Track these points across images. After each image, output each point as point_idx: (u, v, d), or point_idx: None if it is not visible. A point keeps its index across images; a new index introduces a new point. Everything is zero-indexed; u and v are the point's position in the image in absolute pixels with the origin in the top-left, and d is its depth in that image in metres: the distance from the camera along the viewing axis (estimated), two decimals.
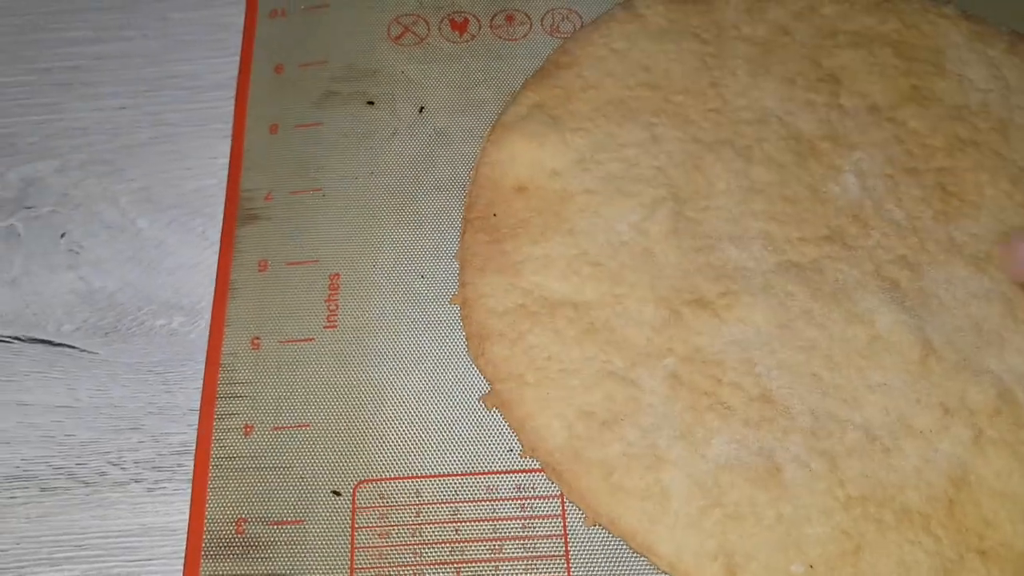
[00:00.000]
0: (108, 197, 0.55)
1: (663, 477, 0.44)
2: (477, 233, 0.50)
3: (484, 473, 0.46)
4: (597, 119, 0.53)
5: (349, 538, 0.45)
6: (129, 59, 0.59)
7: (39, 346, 0.51)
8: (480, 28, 0.58)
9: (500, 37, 0.58)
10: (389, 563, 0.44)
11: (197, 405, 0.49)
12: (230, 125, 0.56)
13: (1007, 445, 0.45)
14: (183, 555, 0.45)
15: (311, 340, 0.50)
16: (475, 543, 0.45)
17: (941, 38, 0.56)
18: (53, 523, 0.47)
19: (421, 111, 0.55)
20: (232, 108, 0.56)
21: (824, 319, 0.47)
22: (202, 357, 0.50)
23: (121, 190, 0.55)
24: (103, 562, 0.46)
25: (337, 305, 0.50)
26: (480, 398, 0.48)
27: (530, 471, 0.46)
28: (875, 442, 0.45)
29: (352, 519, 0.45)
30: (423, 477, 0.46)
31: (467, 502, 0.46)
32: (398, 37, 0.58)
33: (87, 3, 0.61)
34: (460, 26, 0.58)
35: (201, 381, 0.49)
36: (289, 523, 0.45)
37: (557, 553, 0.44)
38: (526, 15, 0.58)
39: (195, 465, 0.47)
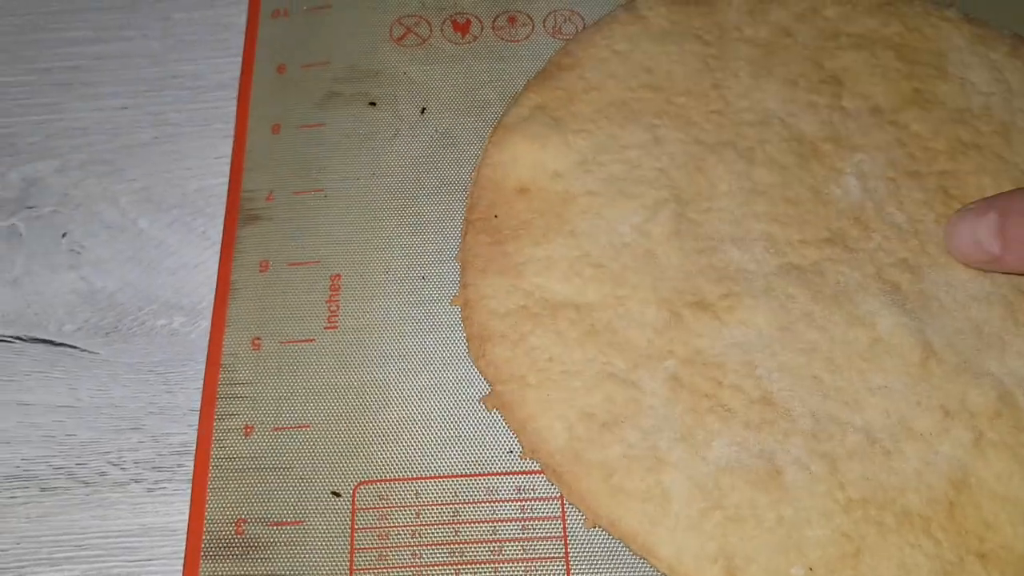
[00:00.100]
0: (109, 197, 0.55)
1: (664, 479, 0.44)
2: (478, 234, 0.50)
3: (484, 475, 0.46)
4: (599, 121, 0.53)
5: (349, 539, 0.45)
6: (130, 59, 0.60)
7: (40, 346, 0.51)
8: (482, 29, 0.58)
9: (502, 38, 0.58)
10: (389, 564, 0.44)
11: (197, 405, 0.49)
12: (232, 125, 0.56)
13: (1007, 448, 0.44)
14: (183, 555, 0.45)
15: (312, 341, 0.50)
16: (475, 544, 0.45)
17: (943, 41, 0.56)
18: (53, 523, 0.47)
19: (423, 112, 0.56)
20: (234, 108, 0.57)
21: (825, 321, 0.47)
22: (203, 357, 0.50)
23: (122, 190, 0.55)
24: (103, 562, 0.46)
25: (338, 306, 0.50)
26: (481, 399, 0.48)
27: (530, 473, 0.46)
28: (875, 444, 0.44)
29: (352, 520, 0.45)
30: (423, 478, 0.46)
31: (467, 503, 0.46)
32: (400, 38, 0.58)
33: (88, 3, 0.61)
34: (462, 27, 0.58)
35: (202, 381, 0.49)
36: (289, 524, 0.45)
37: (557, 555, 0.45)
38: (528, 16, 0.58)
39: (195, 465, 0.47)
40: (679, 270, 0.48)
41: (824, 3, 0.57)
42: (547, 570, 0.44)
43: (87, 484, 0.48)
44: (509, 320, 0.48)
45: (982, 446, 0.45)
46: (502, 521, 0.45)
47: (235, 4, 0.61)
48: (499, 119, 0.54)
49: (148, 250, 0.54)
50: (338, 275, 0.51)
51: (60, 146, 0.57)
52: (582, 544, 0.45)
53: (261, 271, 0.51)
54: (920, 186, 0.51)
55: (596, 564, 0.45)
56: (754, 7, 0.57)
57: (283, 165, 0.54)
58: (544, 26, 0.58)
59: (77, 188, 0.55)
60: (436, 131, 0.55)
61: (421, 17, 0.59)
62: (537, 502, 0.46)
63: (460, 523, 0.45)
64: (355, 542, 0.45)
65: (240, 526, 0.45)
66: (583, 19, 0.58)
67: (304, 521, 0.45)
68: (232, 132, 0.56)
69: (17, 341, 0.51)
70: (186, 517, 0.46)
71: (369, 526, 0.45)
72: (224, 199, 0.54)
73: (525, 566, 0.44)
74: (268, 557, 0.45)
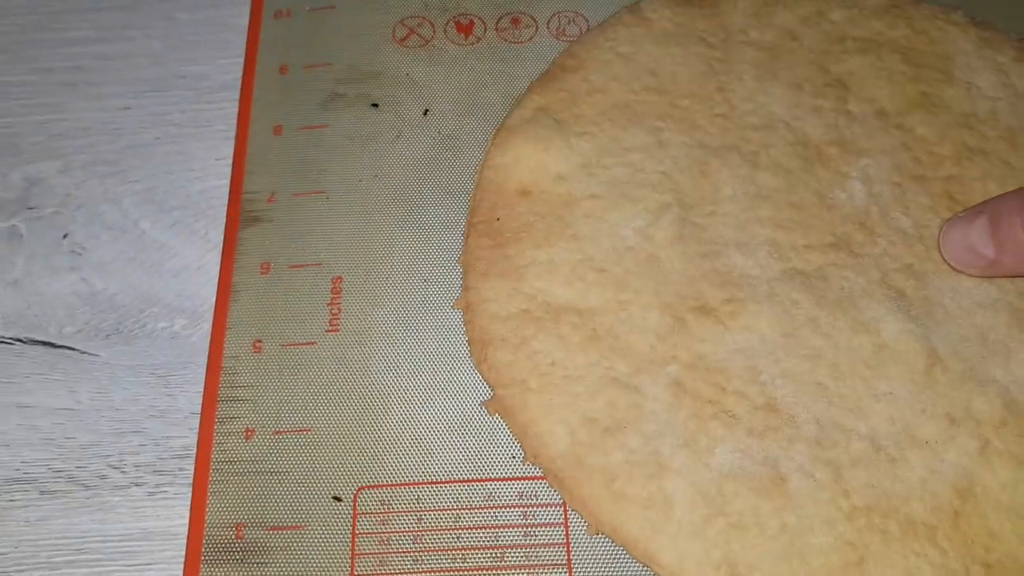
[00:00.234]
0: (111, 198, 0.55)
1: (666, 485, 0.44)
2: (480, 237, 0.50)
3: (486, 480, 0.46)
4: (602, 123, 0.53)
5: (350, 544, 0.45)
6: (133, 59, 0.60)
7: (40, 348, 0.51)
8: (485, 31, 0.58)
9: (505, 40, 0.58)
10: (390, 570, 0.44)
11: (198, 408, 0.49)
12: (234, 126, 0.56)
13: (1013, 456, 0.44)
14: (183, 560, 0.45)
15: (313, 344, 0.50)
16: (476, 551, 0.45)
17: (950, 45, 0.56)
18: (53, 526, 0.47)
19: (426, 114, 0.55)
20: (236, 109, 0.56)
21: (830, 328, 0.47)
22: (204, 360, 0.50)
23: (124, 191, 0.55)
24: (102, 566, 0.46)
25: (340, 309, 0.50)
26: (482, 403, 0.48)
27: (532, 479, 0.46)
28: (880, 452, 0.44)
29: (353, 525, 0.45)
30: (425, 483, 0.46)
31: (468, 509, 0.45)
32: (403, 39, 0.58)
33: (90, 3, 0.61)
34: (465, 28, 0.58)
35: (202, 384, 0.49)
36: (289, 528, 0.45)
37: (559, 562, 0.44)
38: (532, 18, 0.58)
39: (195, 469, 0.47)
40: (682, 275, 0.48)
41: (830, 6, 0.57)
42: None
43: (87, 487, 0.48)
44: (511, 324, 0.48)
45: (988, 454, 0.44)
46: (504, 527, 0.45)
47: (238, 4, 0.61)
48: (502, 121, 0.54)
49: (150, 252, 0.54)
50: (340, 277, 0.51)
51: (62, 147, 0.57)
52: (584, 551, 0.45)
53: (262, 273, 0.51)
54: (926, 191, 0.51)
55: (599, 572, 0.44)
56: (759, 10, 0.57)
57: (285, 166, 0.54)
58: (548, 28, 0.58)
59: (79, 189, 0.55)
60: (439, 133, 0.55)
61: (424, 18, 0.59)
62: (539, 508, 0.46)
63: (462, 529, 0.45)
64: (356, 547, 0.45)
65: (240, 530, 0.45)
66: (587, 21, 0.58)
67: (305, 526, 0.45)
68: (234, 133, 0.56)
69: (17, 343, 0.51)
70: (186, 521, 0.46)
71: (370, 531, 0.45)
72: (226, 201, 0.54)
73: (527, 573, 0.44)
74: (268, 562, 0.45)
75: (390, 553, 0.45)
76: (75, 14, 0.61)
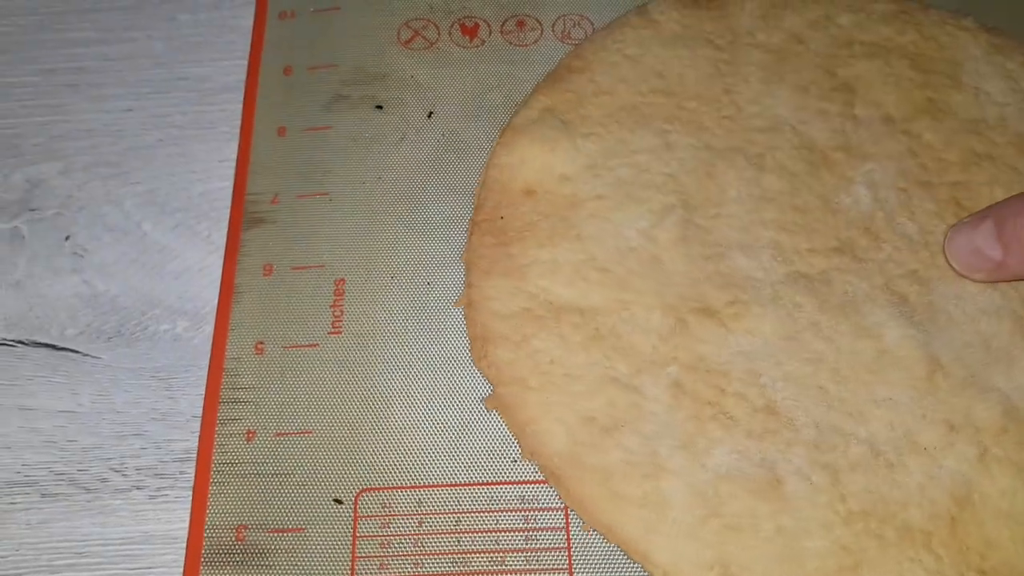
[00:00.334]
0: (113, 200, 0.56)
1: (663, 485, 0.44)
2: (484, 236, 0.51)
3: (487, 484, 0.47)
4: (609, 124, 0.53)
5: (350, 547, 0.45)
6: (136, 61, 0.60)
7: (42, 350, 0.52)
8: (491, 33, 0.58)
9: (511, 43, 0.58)
10: (390, 573, 0.45)
11: (200, 411, 0.49)
12: (237, 128, 0.56)
13: (1012, 464, 0.45)
14: (183, 563, 0.45)
15: (316, 346, 0.50)
16: (477, 554, 0.45)
17: (959, 50, 0.56)
18: (54, 530, 0.47)
19: (430, 116, 0.56)
20: (240, 111, 0.57)
21: (832, 332, 0.47)
22: (206, 362, 0.50)
23: (126, 193, 0.56)
24: (103, 570, 0.46)
25: (342, 311, 0.51)
26: (482, 400, 0.48)
27: (534, 483, 0.46)
28: (879, 457, 0.45)
29: (354, 528, 0.46)
30: (426, 487, 0.46)
31: (470, 512, 0.46)
32: (408, 41, 0.58)
33: (93, 4, 0.62)
34: (471, 31, 0.58)
35: (204, 386, 0.49)
36: (290, 531, 0.46)
37: (560, 566, 0.45)
38: (537, 21, 0.59)
39: (196, 471, 0.47)
40: (685, 276, 0.49)
41: (838, 10, 0.57)
42: None
43: (88, 491, 0.48)
44: (512, 322, 0.48)
45: (986, 462, 0.45)
46: (505, 531, 0.45)
47: (240, 6, 0.61)
48: (508, 121, 0.55)
49: (152, 254, 0.54)
50: (343, 279, 0.51)
51: (64, 148, 0.57)
52: (586, 555, 0.45)
53: (265, 275, 0.52)
54: (932, 197, 0.51)
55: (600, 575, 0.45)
56: (767, 12, 0.57)
57: (288, 168, 0.55)
58: (553, 31, 0.58)
59: (81, 190, 0.56)
60: (443, 135, 0.55)
61: (429, 20, 0.59)
62: (541, 512, 0.46)
63: (463, 532, 0.45)
64: (356, 550, 0.45)
65: (241, 533, 0.46)
66: (592, 24, 0.59)
67: (305, 528, 0.46)
68: (237, 135, 0.56)
69: (19, 345, 0.52)
70: (187, 524, 0.46)
71: (371, 534, 0.45)
72: (228, 202, 0.54)
73: None
74: (269, 564, 0.45)
75: (391, 556, 0.45)
76: (77, 15, 0.61)
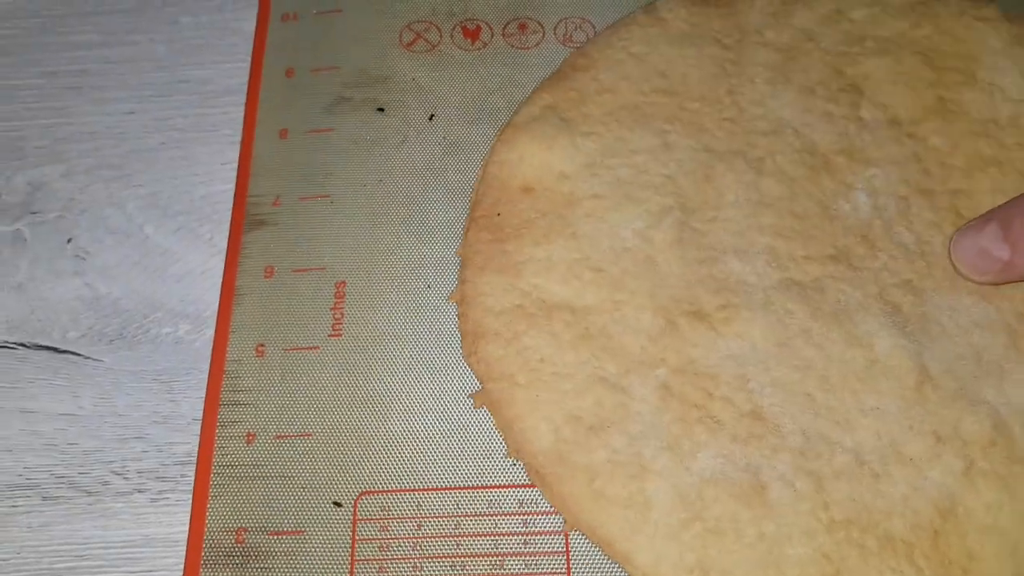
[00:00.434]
0: (115, 202, 0.56)
1: (646, 487, 0.44)
2: (480, 231, 0.51)
3: (487, 487, 0.47)
4: (609, 123, 0.54)
5: (349, 550, 0.46)
6: (138, 63, 0.61)
7: (44, 352, 0.52)
8: (492, 36, 0.59)
9: (512, 46, 0.58)
10: None
11: (201, 414, 0.49)
12: (239, 130, 0.57)
13: (999, 478, 0.44)
14: (183, 565, 0.46)
15: (316, 348, 0.50)
16: (476, 558, 0.45)
17: (976, 43, 0.55)
18: (55, 533, 0.48)
19: (431, 119, 0.56)
20: (242, 113, 0.57)
21: (822, 339, 0.47)
22: (207, 366, 0.51)
23: (128, 195, 0.56)
24: (104, 573, 0.47)
25: (343, 313, 0.51)
26: (469, 395, 0.49)
27: (533, 486, 0.47)
28: (864, 466, 0.45)
29: (353, 531, 0.46)
30: (425, 490, 0.47)
31: (469, 516, 0.46)
32: (410, 44, 0.59)
33: (95, 7, 0.62)
34: (472, 34, 0.59)
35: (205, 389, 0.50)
36: (289, 534, 0.46)
37: (559, 570, 0.45)
38: (539, 24, 0.59)
39: (196, 472, 0.48)
40: (679, 278, 0.49)
41: (852, 4, 0.57)
42: None
43: (89, 494, 0.49)
44: (504, 319, 0.49)
45: (972, 475, 0.44)
46: (504, 535, 0.46)
47: (242, 8, 0.62)
48: (510, 117, 0.55)
49: (154, 256, 0.55)
50: (343, 282, 0.52)
51: (67, 150, 0.58)
52: (584, 560, 0.45)
53: (266, 277, 0.52)
54: (931, 205, 0.51)
55: None
56: (777, 9, 0.57)
57: (290, 170, 0.55)
58: (555, 34, 0.59)
59: (83, 193, 0.56)
60: (444, 138, 0.56)
61: (431, 23, 0.59)
62: (540, 516, 0.46)
63: (461, 536, 0.46)
64: (356, 553, 0.46)
65: (241, 535, 0.46)
66: (594, 27, 0.59)
67: (305, 531, 0.46)
68: (239, 137, 0.56)
69: (21, 347, 0.52)
70: (188, 526, 0.47)
71: (370, 537, 0.46)
72: (231, 205, 0.55)
73: None
74: (268, 567, 0.45)
75: (390, 559, 0.45)
76: (80, 18, 0.62)
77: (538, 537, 0.46)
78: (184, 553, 0.46)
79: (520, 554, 0.45)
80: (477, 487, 0.47)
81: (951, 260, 0.49)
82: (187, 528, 0.47)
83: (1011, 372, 0.47)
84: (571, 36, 0.59)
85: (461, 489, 0.47)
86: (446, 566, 0.45)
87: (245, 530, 0.46)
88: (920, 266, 0.49)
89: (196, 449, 0.49)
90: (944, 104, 0.53)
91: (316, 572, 0.45)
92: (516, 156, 0.53)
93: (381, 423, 0.49)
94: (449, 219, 0.54)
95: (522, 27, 0.59)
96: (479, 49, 0.58)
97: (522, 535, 0.46)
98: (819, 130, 0.53)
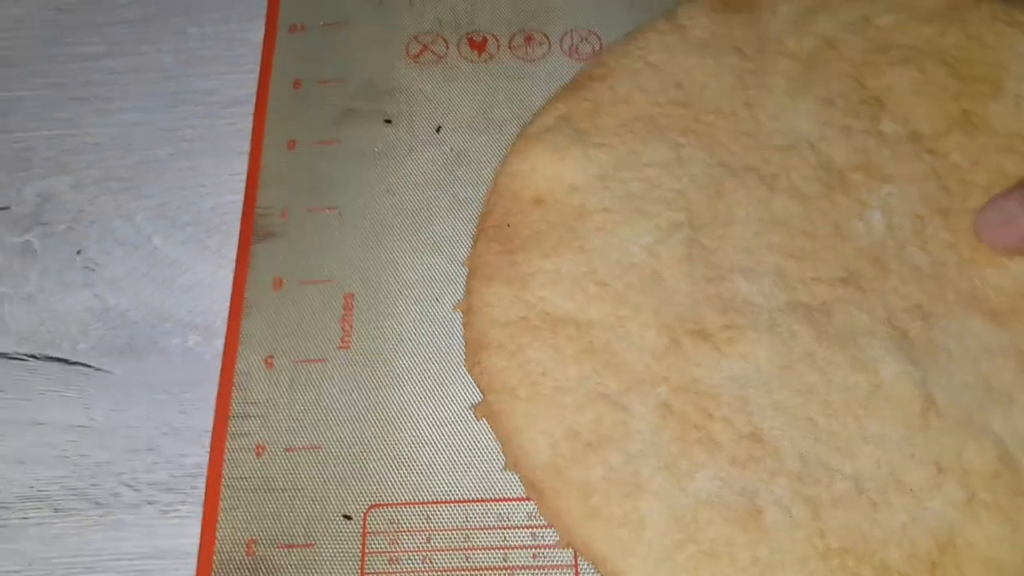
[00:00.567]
0: (124, 214, 0.57)
1: (641, 506, 0.44)
2: (490, 242, 0.51)
3: (496, 500, 0.47)
4: (623, 135, 0.53)
5: (359, 563, 0.46)
6: (145, 74, 0.61)
7: (54, 364, 0.53)
8: (499, 48, 0.59)
9: (519, 57, 0.59)
10: None
11: (211, 426, 0.50)
12: (247, 142, 0.57)
13: (1001, 510, 0.44)
14: None
15: (324, 360, 0.51)
16: (485, 571, 0.46)
17: (1005, 51, 0.54)
18: (66, 545, 0.48)
19: (438, 130, 0.57)
20: (250, 124, 0.58)
21: (826, 364, 0.47)
22: (217, 377, 0.51)
23: (137, 207, 0.57)
24: None
25: (351, 325, 0.52)
26: (471, 407, 0.49)
27: None
28: (863, 494, 0.44)
29: (363, 544, 0.47)
30: (435, 503, 0.47)
31: (478, 529, 0.47)
32: (417, 55, 0.59)
33: (102, 18, 0.63)
34: (479, 46, 0.59)
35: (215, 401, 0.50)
36: (300, 546, 0.47)
37: None
38: (545, 35, 0.60)
39: (207, 485, 0.48)
40: (685, 296, 0.48)
41: (877, 11, 0.56)
42: None
43: (100, 505, 0.49)
44: (508, 330, 0.48)
45: (974, 507, 0.44)
46: (513, 548, 0.46)
47: (249, 19, 0.62)
48: (524, 128, 0.55)
49: (162, 268, 0.55)
50: (352, 294, 0.52)
51: (75, 162, 0.58)
52: (594, 573, 0.46)
53: (275, 289, 0.53)
54: (947, 226, 0.50)
55: None
56: (801, 16, 0.56)
57: (298, 181, 0.56)
58: (561, 46, 0.59)
59: (92, 204, 0.57)
60: (451, 150, 0.56)
61: (438, 35, 0.60)
62: (549, 530, 0.47)
63: (471, 549, 0.46)
64: (365, 566, 0.46)
65: (251, 548, 0.47)
66: (600, 39, 0.59)
67: (315, 544, 0.47)
68: (247, 148, 0.57)
69: (31, 359, 0.53)
70: (198, 539, 0.47)
71: (380, 550, 0.46)
72: (239, 216, 0.55)
73: None
74: None
75: (400, 572, 0.46)
76: (87, 29, 0.62)
77: (548, 550, 0.46)
78: (195, 565, 0.47)
79: (529, 567, 0.46)
80: (486, 500, 0.47)
81: (975, 229, 0.48)
82: (198, 540, 0.47)
83: (1019, 400, 0.46)
84: (577, 48, 0.59)
85: (470, 502, 0.47)
86: None
87: (255, 542, 0.47)
88: (931, 289, 0.48)
89: (206, 461, 0.49)
90: (968, 117, 0.52)
91: None
92: (528, 167, 0.52)
93: (390, 435, 0.49)
94: (457, 230, 0.54)
95: (528, 39, 0.60)
96: (485, 61, 0.59)
97: (531, 548, 0.46)
98: (837, 145, 0.52)
